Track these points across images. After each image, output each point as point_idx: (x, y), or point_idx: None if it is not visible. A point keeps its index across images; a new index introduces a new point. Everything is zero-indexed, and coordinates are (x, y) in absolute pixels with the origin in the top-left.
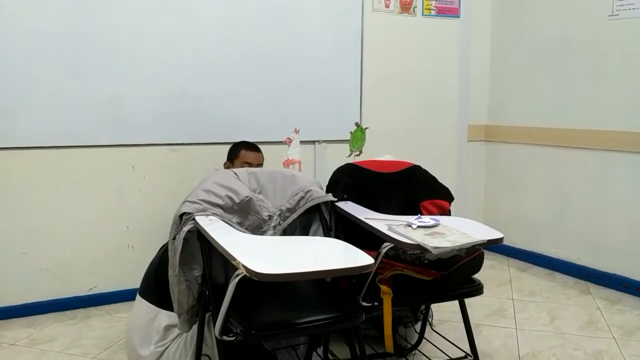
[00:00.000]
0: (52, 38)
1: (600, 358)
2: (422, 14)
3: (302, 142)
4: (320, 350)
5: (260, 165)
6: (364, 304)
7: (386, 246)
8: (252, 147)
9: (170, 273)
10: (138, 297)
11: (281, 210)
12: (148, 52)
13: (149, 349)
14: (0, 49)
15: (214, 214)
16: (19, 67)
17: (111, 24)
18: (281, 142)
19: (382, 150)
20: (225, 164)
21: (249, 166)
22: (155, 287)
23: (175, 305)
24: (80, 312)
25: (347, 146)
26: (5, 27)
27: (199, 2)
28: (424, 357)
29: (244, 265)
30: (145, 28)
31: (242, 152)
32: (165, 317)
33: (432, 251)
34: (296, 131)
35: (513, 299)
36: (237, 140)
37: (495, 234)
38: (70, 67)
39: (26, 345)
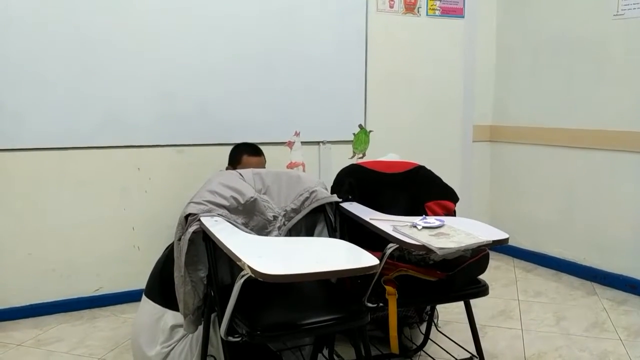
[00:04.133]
0: (58, 40)
1: (606, 359)
2: (427, 14)
3: (306, 143)
4: (325, 351)
5: (262, 167)
6: (369, 304)
7: (391, 247)
8: (254, 151)
9: (175, 274)
10: (144, 297)
11: (286, 210)
12: (153, 54)
13: (154, 349)
14: (7, 51)
15: (219, 215)
16: (25, 69)
17: (116, 25)
18: (285, 143)
19: (387, 151)
20: (227, 168)
21: None
22: (160, 287)
23: (180, 306)
24: (86, 313)
25: (351, 147)
26: (11, 29)
27: (204, 3)
28: (429, 358)
29: (249, 266)
30: (150, 29)
31: (245, 158)
32: (171, 318)
33: (437, 252)
34: (297, 134)
35: (519, 300)
36: (242, 141)
37: (500, 235)
38: (75, 68)
39: (33, 345)
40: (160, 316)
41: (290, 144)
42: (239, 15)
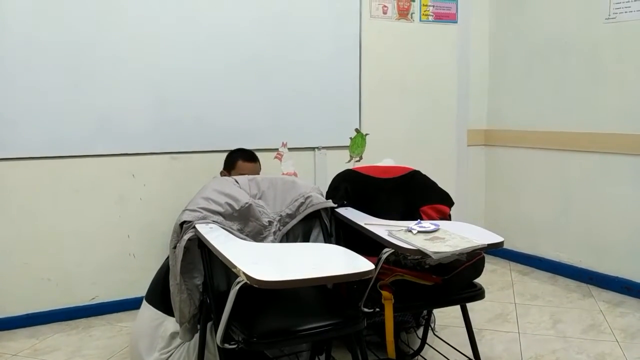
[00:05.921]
0: (52, 48)
1: None
2: (420, 20)
3: (302, 149)
4: (322, 357)
5: (257, 174)
6: (366, 310)
7: (387, 252)
8: (249, 157)
9: (171, 282)
10: (144, 302)
11: (281, 216)
12: (148, 61)
13: (153, 355)
14: (1, 59)
15: (214, 222)
16: (20, 77)
17: (110, 33)
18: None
19: (382, 156)
20: (222, 172)
21: None
22: (162, 293)
23: (176, 314)
24: (82, 322)
25: (346, 152)
26: (6, 38)
27: (198, 10)
28: None
29: (244, 273)
30: (144, 37)
31: (239, 164)
32: (171, 324)
33: (433, 256)
34: (284, 144)
35: (515, 303)
36: (237, 147)
37: (495, 238)
38: (70, 76)
39: (29, 355)
40: (161, 322)
41: (279, 156)
42: (233, 22)
